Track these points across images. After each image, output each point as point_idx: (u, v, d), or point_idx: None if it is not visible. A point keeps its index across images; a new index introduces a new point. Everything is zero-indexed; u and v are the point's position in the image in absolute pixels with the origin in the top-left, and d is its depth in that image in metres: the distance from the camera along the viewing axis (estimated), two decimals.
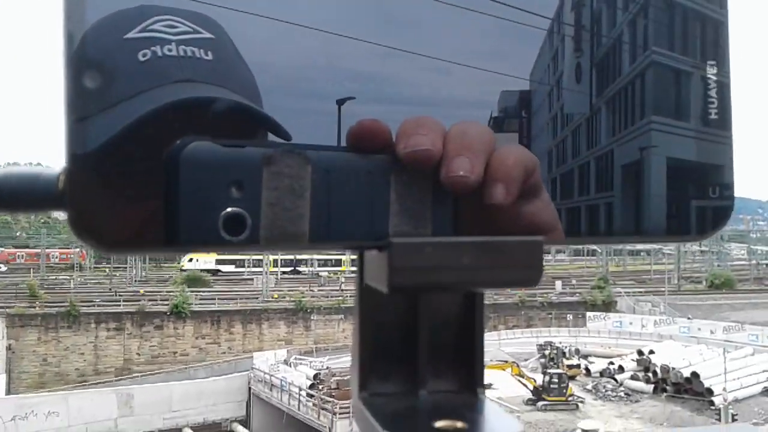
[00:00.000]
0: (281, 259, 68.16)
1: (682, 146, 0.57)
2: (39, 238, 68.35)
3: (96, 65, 0.47)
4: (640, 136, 0.57)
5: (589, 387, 35.82)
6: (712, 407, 31.83)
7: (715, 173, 0.58)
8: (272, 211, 0.47)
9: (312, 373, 36.20)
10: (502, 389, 30.55)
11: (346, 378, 31.34)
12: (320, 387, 33.77)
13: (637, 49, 0.58)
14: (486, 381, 0.58)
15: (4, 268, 64.75)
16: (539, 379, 32.91)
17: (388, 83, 0.53)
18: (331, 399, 31.19)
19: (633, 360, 38.16)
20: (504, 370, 32.50)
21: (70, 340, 47.88)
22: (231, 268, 67.91)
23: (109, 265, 68.34)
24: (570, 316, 51.91)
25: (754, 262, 76.00)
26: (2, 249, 68.56)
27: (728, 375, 32.75)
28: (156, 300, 52.02)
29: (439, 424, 0.50)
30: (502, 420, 0.51)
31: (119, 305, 50.89)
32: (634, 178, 0.57)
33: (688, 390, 34.10)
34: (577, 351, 41.07)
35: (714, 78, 0.58)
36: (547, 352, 39.00)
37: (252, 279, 62.35)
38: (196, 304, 51.59)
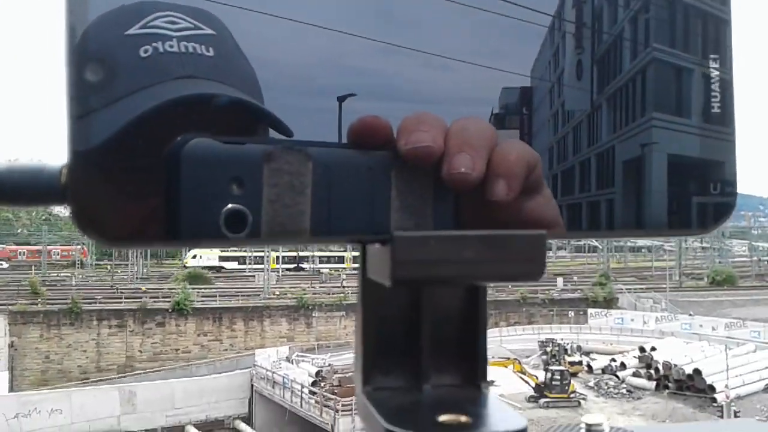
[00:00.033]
0: (284, 257, 68.22)
1: (683, 143, 0.57)
2: (40, 235, 68.34)
3: (97, 61, 0.47)
4: (641, 132, 0.57)
5: (591, 384, 35.79)
6: (714, 404, 31.83)
7: (717, 170, 0.58)
8: (273, 208, 0.47)
9: (314, 370, 36.25)
10: (504, 386, 30.53)
11: (348, 375, 31.39)
12: (322, 384, 33.82)
13: (639, 46, 0.58)
14: (488, 377, 0.58)
15: (5, 265, 64.77)
16: (541, 376, 32.89)
17: (389, 80, 0.53)
18: (333, 396, 31.19)
19: (635, 357, 38.14)
20: (506, 367, 32.51)
21: (72, 337, 47.95)
22: (234, 265, 67.85)
23: (110, 262, 68.42)
24: (572, 313, 51.95)
25: (755, 258, 75.94)
26: (3, 246, 68.53)
27: (730, 372, 32.75)
28: (158, 297, 52.07)
29: (442, 418, 0.50)
30: (506, 414, 0.51)
31: (121, 302, 50.86)
32: (636, 175, 0.57)
33: (690, 387, 34.07)
34: (579, 348, 41.09)
35: (716, 74, 0.57)
36: (548, 349, 38.94)
37: (254, 276, 62.36)
38: (197, 302, 51.63)
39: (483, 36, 0.54)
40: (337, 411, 30.20)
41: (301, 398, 33.92)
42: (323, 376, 34.76)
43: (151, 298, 51.84)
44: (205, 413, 37.05)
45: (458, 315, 0.57)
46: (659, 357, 36.55)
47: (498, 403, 0.54)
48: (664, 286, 59.06)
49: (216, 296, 54.03)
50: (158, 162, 0.46)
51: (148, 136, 0.51)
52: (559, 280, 59.31)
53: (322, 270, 66.51)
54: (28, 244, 70.74)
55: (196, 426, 36.10)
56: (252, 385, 38.41)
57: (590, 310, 52.47)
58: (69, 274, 62.26)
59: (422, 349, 0.56)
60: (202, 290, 55.31)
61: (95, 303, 50.11)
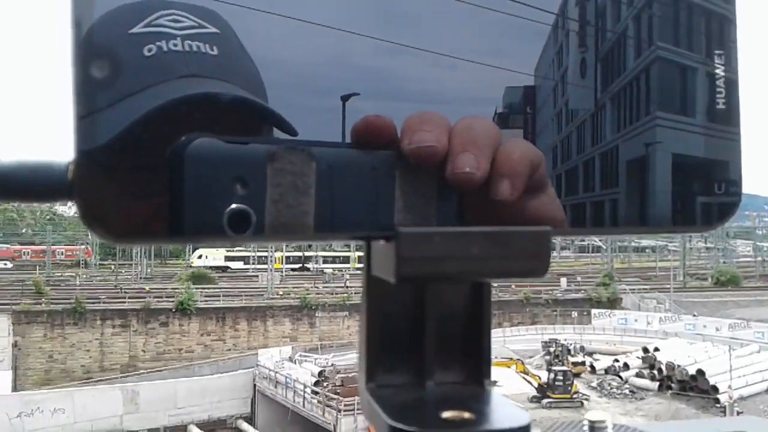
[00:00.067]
0: (289, 257, 68.11)
1: (688, 142, 0.57)
2: (44, 234, 68.42)
3: (102, 61, 0.47)
4: (645, 132, 0.57)
5: (594, 384, 35.72)
6: (717, 405, 31.75)
7: (722, 169, 0.57)
8: (276, 208, 0.47)
9: (317, 370, 36.22)
10: (507, 386, 30.48)
11: (350, 375, 31.41)
12: (325, 384, 33.80)
13: (642, 45, 0.57)
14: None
15: (9, 265, 64.91)
16: (544, 376, 32.85)
17: (392, 79, 0.52)
18: (335, 396, 31.19)
19: (638, 357, 38.03)
20: (509, 367, 32.44)
21: (75, 336, 48.02)
22: (240, 264, 67.81)
23: (114, 262, 68.49)
24: (575, 313, 51.74)
25: (759, 259, 75.63)
26: (8, 246, 68.68)
27: (734, 372, 32.62)
28: (161, 297, 52.09)
29: (446, 414, 0.50)
30: (510, 411, 0.51)
31: (125, 302, 50.90)
32: (639, 174, 0.57)
33: (694, 387, 33.97)
34: (582, 348, 41.00)
35: (721, 73, 0.57)
36: (552, 350, 38.87)
37: (257, 276, 62.38)
38: (201, 301, 51.66)
39: (486, 35, 0.54)
40: (339, 411, 30.21)
41: (304, 398, 33.92)
42: (326, 376, 34.74)
43: (154, 298, 51.87)
44: (208, 413, 37.08)
45: (463, 312, 0.57)
46: (662, 357, 36.45)
47: (501, 400, 0.54)
48: (668, 286, 58.88)
49: (219, 296, 54.02)
50: (163, 161, 0.46)
51: (152, 135, 0.51)
52: (563, 281, 59.21)
53: (325, 270, 66.45)
54: (33, 243, 70.84)
55: (198, 426, 36.12)
56: (255, 385, 38.43)
57: (594, 311, 52.30)
58: (73, 274, 62.32)
59: (426, 346, 0.56)
60: (206, 290, 55.35)
61: (99, 303, 50.15)
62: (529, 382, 32.52)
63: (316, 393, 33.35)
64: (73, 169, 0.47)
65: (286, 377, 35.85)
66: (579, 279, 63.07)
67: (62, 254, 69.74)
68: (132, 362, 48.36)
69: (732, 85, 0.57)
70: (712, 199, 0.57)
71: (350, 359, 36.09)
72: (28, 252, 68.65)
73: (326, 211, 0.48)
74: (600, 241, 73.16)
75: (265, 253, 62.45)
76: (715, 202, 0.57)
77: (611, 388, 34.99)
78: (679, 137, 0.57)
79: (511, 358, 34.82)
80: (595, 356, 40.68)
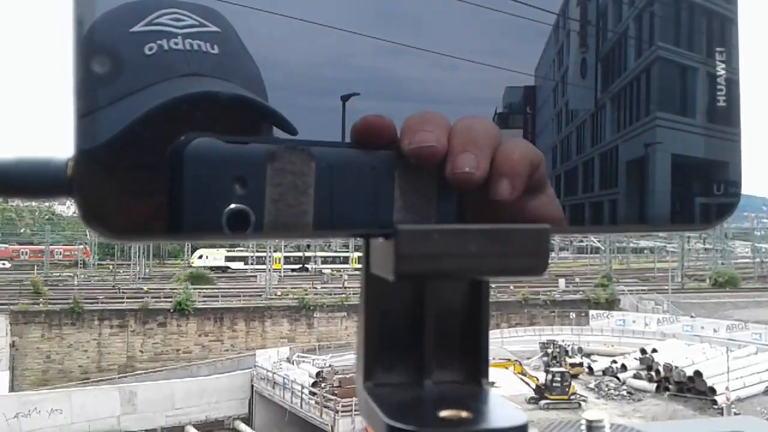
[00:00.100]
0: (288, 257, 68.08)
1: (687, 143, 0.57)
2: (43, 234, 68.41)
3: (103, 59, 0.47)
4: (645, 132, 0.57)
5: (592, 386, 35.71)
6: (715, 406, 31.76)
7: (722, 170, 0.57)
8: (276, 207, 0.47)
9: (314, 371, 36.26)
10: (505, 387, 30.47)
11: (348, 376, 31.41)
12: (323, 385, 33.84)
13: (643, 45, 0.57)
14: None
15: (8, 265, 64.87)
16: (542, 377, 32.85)
17: (393, 79, 0.52)
18: (333, 397, 31.20)
19: (636, 358, 38.02)
20: (507, 368, 32.42)
21: (73, 337, 47.99)
22: (240, 265, 67.75)
23: (112, 262, 68.51)
24: (573, 314, 51.76)
25: (758, 260, 75.64)
26: (6, 246, 68.63)
27: (731, 374, 32.65)
28: (159, 297, 52.11)
29: (443, 413, 0.50)
30: (507, 410, 0.51)
31: (123, 302, 50.92)
32: (639, 175, 0.57)
33: (691, 389, 33.97)
34: (580, 349, 40.99)
35: (722, 74, 0.57)
36: (549, 351, 38.87)
37: (255, 276, 62.35)
38: (199, 302, 51.64)
39: (487, 35, 0.54)
40: (337, 412, 30.23)
41: (301, 399, 33.94)
42: (323, 377, 34.77)
43: (152, 298, 51.88)
44: (205, 413, 37.07)
45: (461, 311, 0.57)
46: (660, 359, 36.46)
47: (499, 399, 0.54)
48: (666, 287, 58.88)
49: (218, 296, 54.07)
50: (163, 159, 0.46)
51: (153, 134, 0.51)
52: (561, 282, 59.23)
53: (324, 270, 66.43)
54: (31, 243, 70.81)
55: (195, 426, 36.11)
56: (252, 386, 38.43)
57: (592, 312, 52.35)
58: (71, 274, 62.35)
59: (425, 345, 0.56)
60: (204, 290, 55.33)
61: (97, 303, 50.17)
62: (527, 384, 32.51)
63: (313, 394, 33.36)
64: (72, 167, 0.47)
65: (284, 378, 35.83)
66: (577, 280, 63.12)
67: (60, 254, 69.66)
68: (130, 362, 48.34)
69: (733, 85, 0.57)
70: (711, 199, 0.57)
71: (348, 360, 36.13)
72: (26, 252, 68.61)
73: (325, 210, 0.48)
74: (598, 242, 73.22)
75: (264, 254, 62.42)
76: (715, 203, 0.57)
77: (609, 390, 34.99)
78: (679, 137, 0.57)
79: (509, 359, 34.79)
80: (593, 357, 40.66)
